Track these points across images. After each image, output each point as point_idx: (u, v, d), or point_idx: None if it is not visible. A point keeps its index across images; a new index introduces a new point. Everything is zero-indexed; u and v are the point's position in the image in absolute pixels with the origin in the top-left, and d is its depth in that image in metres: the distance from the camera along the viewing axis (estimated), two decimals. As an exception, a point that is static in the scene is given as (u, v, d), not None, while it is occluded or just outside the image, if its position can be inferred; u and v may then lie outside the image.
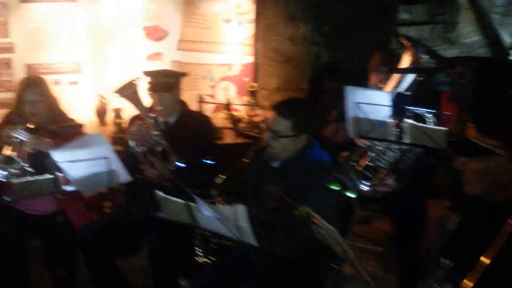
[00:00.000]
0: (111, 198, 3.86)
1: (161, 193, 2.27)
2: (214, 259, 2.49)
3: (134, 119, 3.30)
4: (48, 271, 3.13)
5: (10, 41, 4.37)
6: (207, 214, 2.15)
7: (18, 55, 4.42)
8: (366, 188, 3.51)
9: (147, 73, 3.21)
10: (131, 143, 3.07)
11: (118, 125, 4.12)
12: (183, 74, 3.34)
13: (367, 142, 3.47)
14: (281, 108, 2.60)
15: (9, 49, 4.39)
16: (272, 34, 4.98)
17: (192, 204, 2.15)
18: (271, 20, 4.95)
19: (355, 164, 3.56)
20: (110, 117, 4.46)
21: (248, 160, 2.60)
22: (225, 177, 2.43)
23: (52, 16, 4.42)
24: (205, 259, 2.49)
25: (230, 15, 4.84)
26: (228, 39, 4.89)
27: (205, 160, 2.68)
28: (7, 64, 4.41)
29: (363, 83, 3.49)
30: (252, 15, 4.92)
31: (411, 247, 3.40)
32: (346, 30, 5.02)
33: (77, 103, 4.44)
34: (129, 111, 4.43)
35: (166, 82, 3.16)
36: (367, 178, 3.54)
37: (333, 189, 2.37)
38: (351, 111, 3.13)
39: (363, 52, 4.74)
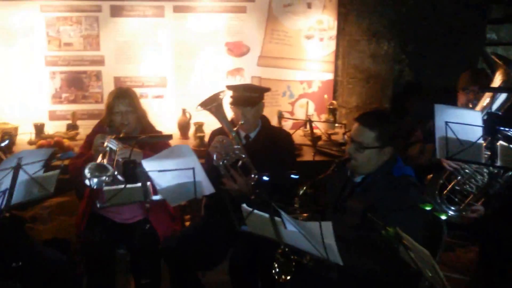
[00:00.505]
0: (191, 211, 3.96)
1: (246, 206, 2.26)
2: (293, 277, 2.44)
3: (216, 132, 3.35)
4: (133, 279, 3.20)
5: (100, 54, 4.62)
6: (292, 229, 2.11)
7: (107, 68, 4.65)
8: (452, 213, 3.36)
9: (231, 87, 3.25)
10: (214, 156, 3.11)
11: (199, 138, 4.20)
12: (266, 89, 3.35)
13: (454, 165, 3.32)
14: (365, 119, 2.55)
15: (99, 62, 4.63)
16: (354, 51, 4.92)
17: (277, 218, 2.13)
18: (353, 37, 4.90)
19: (441, 187, 3.42)
20: (192, 130, 4.56)
21: (329, 174, 2.55)
22: (306, 188, 2.40)
23: (140, 30, 4.62)
24: (283, 276, 2.44)
25: (312, 31, 4.84)
26: (309, 55, 4.89)
27: (290, 174, 2.65)
28: (97, 76, 4.65)
29: (449, 103, 3.36)
30: (334, 32, 4.89)
31: (500, 276, 3.19)
32: (430, 49, 4.89)
33: (161, 116, 4.59)
34: (210, 125, 4.56)
35: (249, 97, 3.18)
36: (453, 203, 3.39)
37: (423, 209, 2.26)
38: (440, 131, 2.99)
39: (448, 72, 4.62)
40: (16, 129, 4.27)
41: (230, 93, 3.24)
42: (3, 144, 3.11)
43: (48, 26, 4.47)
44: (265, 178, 2.81)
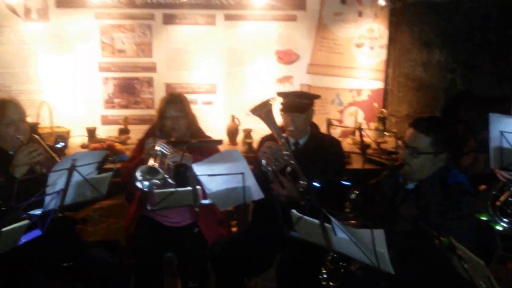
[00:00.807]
0: (238, 216, 3.95)
1: (296, 212, 2.23)
2: (341, 284, 2.39)
3: (265, 139, 3.33)
4: (181, 283, 3.19)
5: (153, 61, 4.72)
6: (342, 236, 2.07)
7: (159, 74, 4.75)
8: (504, 225, 3.21)
9: (281, 94, 3.24)
10: (263, 162, 3.09)
11: (248, 145, 4.21)
12: (316, 96, 3.31)
13: (508, 175, 3.17)
14: (421, 124, 2.50)
15: (151, 68, 4.73)
16: (405, 60, 4.83)
17: (327, 225, 2.08)
18: (404, 45, 4.81)
19: (494, 198, 3.27)
20: (240, 137, 4.58)
21: (380, 179, 2.49)
22: (358, 192, 2.35)
23: (192, 38, 4.70)
24: (331, 283, 2.40)
25: (363, 39, 4.79)
26: (359, 63, 4.83)
27: (342, 180, 2.60)
28: (149, 82, 4.75)
29: (503, 113, 3.22)
30: (385, 40, 4.82)
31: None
32: (483, 58, 4.75)
33: (210, 122, 4.63)
34: (258, 132, 4.56)
35: (299, 103, 3.16)
36: (506, 215, 3.23)
37: (478, 219, 2.17)
38: (494, 140, 2.87)
39: (502, 81, 4.46)
40: (69, 132, 4.40)
41: (280, 99, 3.22)
42: (59, 146, 3.20)
43: (102, 33, 4.62)
44: (316, 184, 2.77)
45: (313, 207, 2.39)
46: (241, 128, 4.57)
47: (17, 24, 4.48)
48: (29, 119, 3.05)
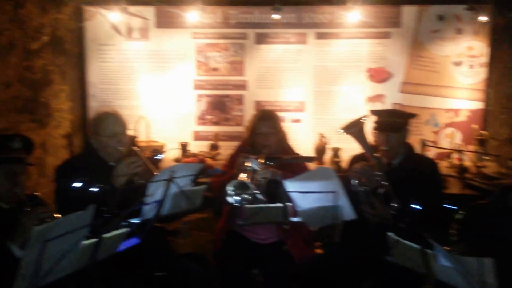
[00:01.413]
0: (322, 236, 3.85)
1: (393, 235, 2.12)
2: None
3: (356, 158, 3.24)
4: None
5: (244, 79, 4.80)
6: (445, 263, 1.94)
7: (249, 92, 4.83)
8: None
9: (375, 112, 3.14)
10: (354, 182, 3.00)
11: (336, 164, 4.13)
12: (412, 116, 3.18)
13: None
14: None
15: (242, 86, 4.82)
16: (507, 80, 4.54)
17: (428, 250, 1.96)
18: (507, 64, 4.53)
19: None
20: (328, 155, 4.51)
21: (488, 202, 2.31)
22: (464, 215, 2.20)
23: (283, 56, 4.75)
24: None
25: (462, 58, 4.57)
26: (457, 83, 4.61)
27: (445, 204, 2.46)
28: (239, 100, 4.83)
29: None
30: (485, 58, 4.56)
31: None
32: None
33: (298, 140, 4.61)
34: (347, 151, 4.47)
35: (394, 122, 3.04)
36: None
37: None
38: None
39: None
40: (163, 146, 4.57)
41: (374, 118, 3.13)
42: (158, 157, 3.33)
43: (198, 52, 4.79)
44: (415, 206, 2.63)
45: (412, 230, 2.26)
46: (329, 146, 4.50)
47: (120, 43, 4.77)
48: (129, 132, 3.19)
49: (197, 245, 3.79)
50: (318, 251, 3.69)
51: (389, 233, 2.16)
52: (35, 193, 2.52)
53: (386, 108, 3.36)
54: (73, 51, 4.73)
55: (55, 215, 2.32)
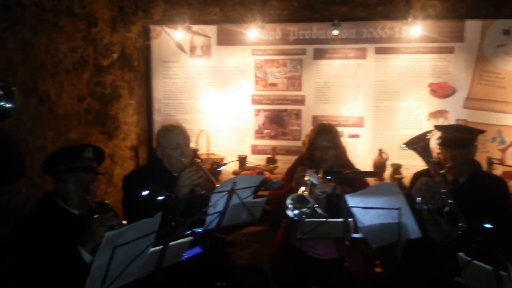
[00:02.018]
0: (380, 254, 3.77)
1: (464, 256, 2.05)
2: None
3: (419, 175, 3.16)
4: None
5: (301, 94, 4.83)
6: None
7: (307, 107, 4.84)
8: None
9: (440, 127, 3.08)
10: (417, 199, 2.93)
11: (397, 180, 4.04)
12: (480, 132, 3.09)
13: None
14: None
15: (300, 101, 4.84)
16: None
17: (502, 272, 1.88)
18: None
19: None
20: (388, 172, 4.44)
21: None
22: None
23: (341, 71, 4.74)
24: None
25: (529, 71, 4.39)
26: (525, 99, 4.42)
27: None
28: (297, 115, 4.86)
29: None
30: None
31: None
32: None
33: (357, 155, 4.57)
34: (408, 168, 4.39)
35: (461, 138, 2.96)
36: None
37: None
38: None
39: None
40: (222, 159, 4.65)
41: (439, 133, 3.06)
42: (219, 169, 3.40)
43: (256, 68, 4.87)
44: (487, 226, 2.53)
45: (484, 250, 2.18)
46: (389, 163, 4.43)
47: (183, 60, 4.94)
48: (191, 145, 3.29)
49: (255, 257, 3.80)
50: (378, 269, 3.62)
51: (460, 253, 2.09)
52: (105, 201, 2.63)
53: (452, 124, 3.24)
54: (140, 68, 4.94)
55: (123, 222, 2.42)
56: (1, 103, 1.92)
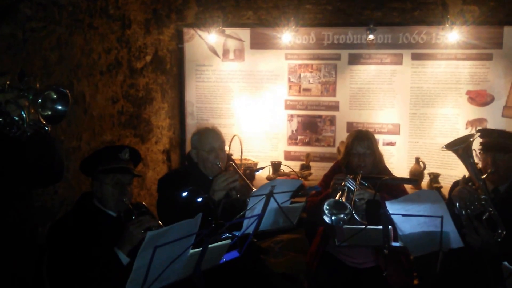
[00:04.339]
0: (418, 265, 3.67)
1: (508, 265, 1.97)
2: None
3: (457, 183, 3.06)
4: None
5: (336, 99, 4.77)
6: None
7: (341, 113, 4.77)
8: None
9: (484, 131, 2.98)
10: (457, 205, 2.84)
11: (434, 189, 3.93)
12: (525, 139, 2.98)
13: None
14: None
15: (334, 107, 4.78)
16: None
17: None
18: None
19: None
20: (425, 181, 4.33)
21: None
22: None
23: (376, 77, 4.66)
24: None
25: None
26: None
27: None
28: (331, 121, 4.79)
29: None
30: None
31: None
32: None
33: (393, 163, 4.48)
34: (445, 178, 4.27)
35: (504, 144, 2.86)
36: None
37: None
38: None
39: None
40: (256, 165, 4.61)
41: (480, 140, 2.96)
42: (257, 172, 3.36)
43: (290, 72, 4.83)
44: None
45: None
46: (426, 172, 4.32)
47: (216, 64, 4.93)
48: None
49: (289, 265, 3.74)
50: (415, 282, 3.52)
51: (504, 263, 2.01)
52: (141, 202, 2.62)
53: (496, 128, 3.12)
54: (173, 71, 4.96)
55: (160, 224, 2.40)
56: (56, 106, 1.95)
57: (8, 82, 1.91)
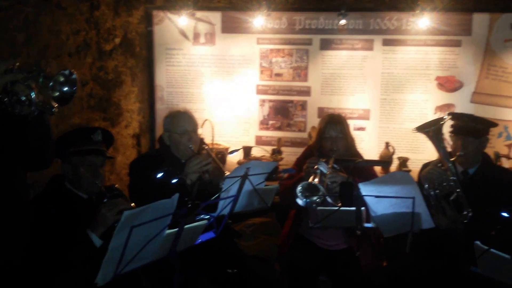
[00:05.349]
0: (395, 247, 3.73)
1: (481, 244, 2.02)
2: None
3: (427, 166, 3.13)
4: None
5: (307, 85, 4.77)
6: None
7: (312, 98, 4.78)
8: None
9: (455, 115, 3.04)
10: (425, 186, 2.89)
11: (404, 173, 4.00)
12: (494, 125, 3.06)
13: None
14: None
15: (306, 92, 4.78)
16: None
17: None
18: None
19: None
20: (394, 165, 4.40)
21: None
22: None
23: (347, 63, 4.68)
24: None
25: (538, 66, 4.36)
26: (532, 93, 4.39)
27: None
28: (302, 106, 4.80)
29: None
30: None
31: None
32: None
33: (362, 148, 4.51)
34: (414, 162, 4.35)
35: (475, 128, 2.94)
36: None
37: None
38: None
39: None
40: (227, 149, 4.58)
41: (451, 122, 3.02)
42: (232, 155, 3.34)
43: (262, 57, 4.80)
44: (504, 214, 2.50)
45: (503, 239, 2.14)
46: (395, 156, 4.39)
47: (187, 48, 4.85)
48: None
49: (261, 248, 3.76)
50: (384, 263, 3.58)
51: (477, 242, 2.05)
52: (114, 185, 2.57)
53: (467, 113, 3.19)
54: (143, 54, 4.85)
55: (134, 206, 2.36)
56: (63, 88, 1.97)
57: (17, 64, 1.94)
